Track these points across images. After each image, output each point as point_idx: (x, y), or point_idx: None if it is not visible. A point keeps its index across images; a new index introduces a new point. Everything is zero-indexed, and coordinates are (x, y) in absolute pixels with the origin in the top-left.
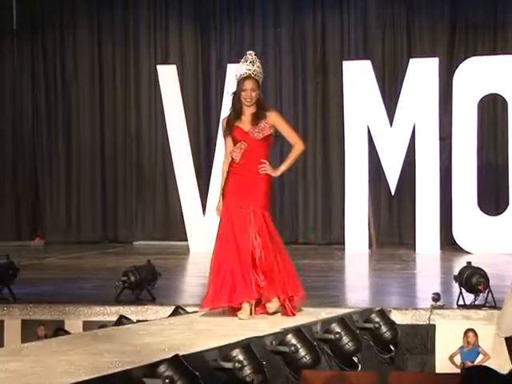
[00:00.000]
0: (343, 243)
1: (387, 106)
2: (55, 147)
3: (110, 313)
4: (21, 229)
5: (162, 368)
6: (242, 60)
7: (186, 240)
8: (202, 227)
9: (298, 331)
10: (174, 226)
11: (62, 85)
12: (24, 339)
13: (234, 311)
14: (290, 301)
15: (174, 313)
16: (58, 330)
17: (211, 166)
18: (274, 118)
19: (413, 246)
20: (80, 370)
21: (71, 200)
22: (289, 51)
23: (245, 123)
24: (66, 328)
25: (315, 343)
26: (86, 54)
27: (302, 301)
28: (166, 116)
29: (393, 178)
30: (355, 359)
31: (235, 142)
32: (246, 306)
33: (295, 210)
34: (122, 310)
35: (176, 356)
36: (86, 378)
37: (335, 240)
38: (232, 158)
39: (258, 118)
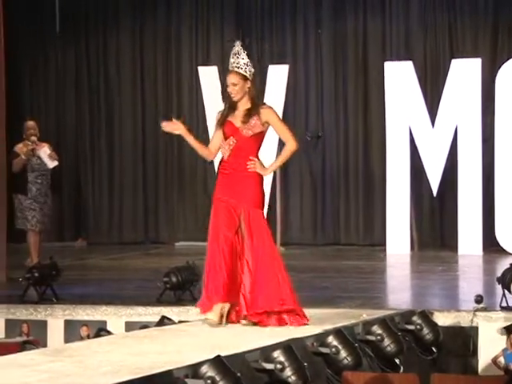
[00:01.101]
0: (385, 245)
1: (429, 106)
2: (98, 149)
3: (151, 313)
4: (64, 230)
5: (203, 369)
6: (231, 52)
7: None
8: None
9: (339, 332)
10: None
11: (104, 87)
12: (67, 339)
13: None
14: (287, 312)
15: None
16: (101, 330)
17: None
18: (267, 115)
19: (455, 248)
20: (122, 371)
21: (113, 201)
22: (330, 53)
23: (237, 118)
24: (109, 328)
25: (357, 345)
26: (129, 57)
27: (300, 318)
28: (206, 117)
29: (435, 180)
30: (397, 361)
31: (225, 138)
32: (215, 308)
33: (336, 212)
34: (163, 311)
35: (218, 357)
36: (128, 378)
37: (377, 241)
38: (222, 158)
39: (250, 114)
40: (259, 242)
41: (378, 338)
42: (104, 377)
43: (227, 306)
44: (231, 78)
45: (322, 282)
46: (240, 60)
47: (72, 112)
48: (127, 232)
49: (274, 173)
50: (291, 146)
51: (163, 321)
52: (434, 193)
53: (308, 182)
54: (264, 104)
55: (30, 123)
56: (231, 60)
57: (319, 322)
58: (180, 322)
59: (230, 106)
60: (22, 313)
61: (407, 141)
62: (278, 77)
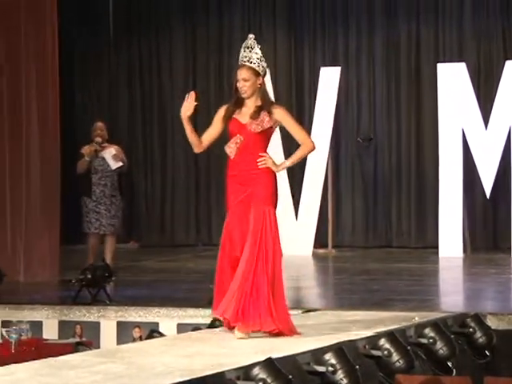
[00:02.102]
0: (437, 247)
1: (482, 108)
2: (150, 151)
3: (203, 315)
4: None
5: (255, 371)
6: (243, 45)
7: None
8: (295, 231)
9: (391, 335)
10: None
11: (157, 89)
12: (119, 341)
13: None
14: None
15: None
16: (153, 331)
17: (303, 172)
18: (281, 116)
19: (508, 250)
20: (174, 372)
21: (166, 203)
22: (382, 55)
23: (244, 115)
24: (161, 330)
25: (409, 347)
26: (181, 59)
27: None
28: None
29: (488, 182)
30: (449, 364)
31: (230, 136)
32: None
33: (388, 214)
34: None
35: (269, 359)
36: (180, 379)
37: (429, 244)
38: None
39: (260, 111)
40: (270, 243)
41: (431, 340)
42: (156, 378)
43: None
44: (242, 73)
45: (374, 284)
46: (253, 54)
47: (124, 113)
48: (179, 234)
49: (326, 175)
50: (308, 147)
51: (215, 323)
52: (487, 195)
53: (360, 184)
54: (275, 102)
55: (98, 124)
56: (243, 54)
57: (371, 324)
58: None
59: (237, 102)
60: (75, 314)
61: (460, 143)
62: (329, 79)
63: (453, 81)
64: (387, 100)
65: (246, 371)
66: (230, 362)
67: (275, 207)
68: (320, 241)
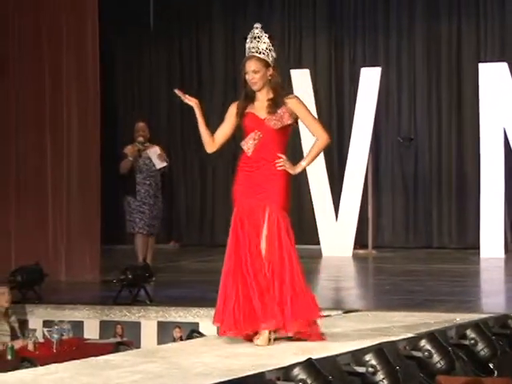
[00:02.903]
0: (478, 248)
1: None
2: (189, 150)
3: None
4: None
5: (295, 371)
6: (249, 35)
7: (319, 244)
8: (334, 232)
9: (432, 336)
10: (306, 230)
11: (197, 86)
12: (160, 341)
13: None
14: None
15: None
16: (193, 332)
17: (343, 172)
18: (295, 106)
19: None
20: (214, 372)
21: (205, 203)
22: (423, 55)
23: (259, 110)
24: (201, 330)
25: (450, 348)
26: (221, 56)
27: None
28: (299, 121)
29: None
30: (491, 365)
31: (246, 132)
32: (264, 334)
33: (429, 214)
34: None
35: (309, 359)
36: (220, 380)
37: (470, 244)
38: (243, 152)
39: (276, 103)
40: (285, 252)
41: (472, 342)
42: (196, 378)
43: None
44: (251, 65)
45: (415, 285)
46: (261, 44)
47: (164, 111)
48: (219, 234)
49: (366, 175)
50: (323, 140)
51: None
52: None
53: (400, 184)
54: (288, 93)
55: (140, 124)
56: (250, 45)
57: (412, 325)
58: None
59: (247, 95)
60: (116, 314)
61: (501, 142)
62: (370, 79)
63: (494, 80)
64: (428, 100)
65: (286, 372)
66: (271, 363)
67: (288, 211)
68: (360, 242)
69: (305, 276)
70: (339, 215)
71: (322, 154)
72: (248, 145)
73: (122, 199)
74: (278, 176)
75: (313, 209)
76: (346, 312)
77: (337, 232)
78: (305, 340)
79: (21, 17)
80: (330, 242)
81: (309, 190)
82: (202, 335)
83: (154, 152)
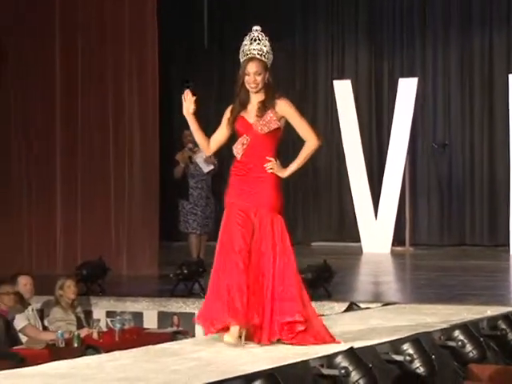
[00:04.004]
0: (508, 245)
1: None
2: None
3: None
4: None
5: (337, 359)
6: (247, 37)
7: (359, 241)
8: (374, 229)
9: (465, 327)
10: (348, 228)
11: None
12: None
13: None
14: (287, 326)
15: (349, 308)
16: None
17: (382, 175)
18: (283, 108)
19: None
20: (260, 361)
21: None
22: (457, 66)
23: (250, 113)
24: None
25: (482, 339)
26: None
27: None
28: (341, 128)
29: None
30: None
31: (238, 136)
32: (233, 330)
33: (462, 214)
34: None
35: (351, 348)
36: (267, 367)
37: (501, 242)
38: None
39: (265, 107)
40: (278, 252)
41: (503, 332)
42: (244, 366)
43: (244, 330)
44: (254, 67)
45: (449, 280)
46: (263, 47)
47: (213, 121)
48: None
49: (403, 178)
50: (312, 143)
51: None
52: None
53: (435, 187)
54: (280, 95)
55: (188, 131)
56: (251, 46)
57: (446, 317)
58: None
59: (242, 100)
60: (173, 306)
61: None
62: (407, 89)
63: None
64: (461, 108)
65: (329, 359)
66: (315, 352)
67: (282, 215)
68: (398, 239)
69: (300, 277)
70: (378, 214)
71: (362, 159)
72: (237, 149)
73: (177, 202)
74: (268, 179)
75: (354, 208)
76: (385, 305)
77: (376, 230)
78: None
79: (88, 42)
80: (370, 240)
81: (350, 190)
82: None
83: (200, 157)
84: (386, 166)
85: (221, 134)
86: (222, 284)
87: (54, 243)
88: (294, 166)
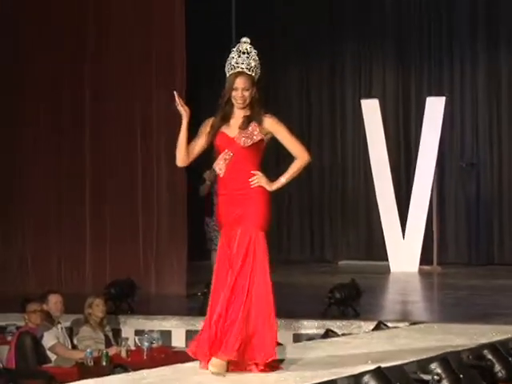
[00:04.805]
0: None
1: None
2: (265, 167)
3: (317, 327)
4: None
5: (365, 378)
6: (234, 50)
7: (387, 260)
8: (402, 248)
9: (493, 347)
10: (375, 247)
11: (272, 112)
12: None
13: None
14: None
15: (377, 327)
16: None
17: (409, 193)
18: (271, 124)
19: None
20: (289, 379)
21: (282, 221)
22: (485, 85)
23: (232, 128)
24: (277, 340)
25: (510, 359)
26: (296, 90)
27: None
28: (369, 147)
29: None
30: None
31: (218, 152)
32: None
33: (490, 233)
34: (328, 324)
35: (378, 368)
36: None
37: None
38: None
39: (249, 121)
40: (255, 271)
41: None
42: (274, 383)
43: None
44: (242, 82)
45: (477, 299)
46: (251, 61)
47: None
48: (294, 250)
49: (431, 197)
50: (303, 160)
51: (328, 333)
52: None
53: (463, 205)
54: (266, 112)
55: None
56: (239, 59)
57: (474, 336)
58: (343, 334)
59: (225, 114)
60: (201, 324)
61: None
62: (435, 108)
63: None
64: (489, 127)
65: (356, 379)
66: (342, 371)
67: (265, 231)
68: (426, 258)
69: (273, 301)
70: (406, 233)
71: (389, 178)
72: (219, 166)
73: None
74: (253, 194)
75: (381, 227)
76: (413, 324)
77: (404, 249)
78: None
79: (112, 55)
80: (398, 259)
81: (377, 209)
82: (278, 345)
83: None
84: (414, 184)
85: (198, 145)
86: (210, 312)
87: (83, 261)
88: (283, 180)
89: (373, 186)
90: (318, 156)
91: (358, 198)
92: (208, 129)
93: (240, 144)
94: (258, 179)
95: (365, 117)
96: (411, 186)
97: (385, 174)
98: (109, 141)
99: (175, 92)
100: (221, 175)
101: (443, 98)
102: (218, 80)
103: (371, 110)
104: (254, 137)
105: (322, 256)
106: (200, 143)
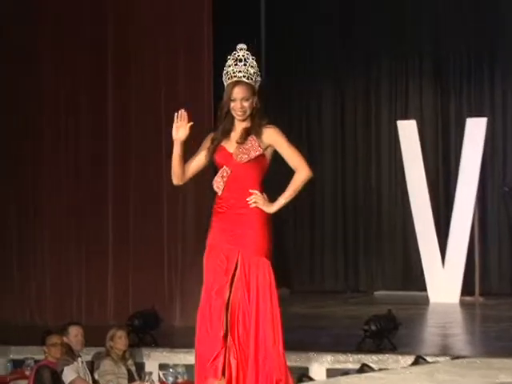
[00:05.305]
0: None
1: None
2: (299, 199)
3: (352, 361)
4: None
5: None
6: (230, 57)
7: (426, 290)
8: (441, 278)
9: None
10: (413, 276)
11: (306, 140)
12: None
13: None
14: None
15: (415, 362)
16: (303, 376)
17: (449, 219)
18: (271, 136)
19: None
20: None
21: (315, 250)
22: None
23: (232, 142)
24: (310, 375)
25: None
26: (329, 111)
27: None
28: (405, 170)
29: None
30: None
31: (218, 169)
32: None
33: None
34: (363, 359)
35: None
36: None
37: None
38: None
39: (247, 134)
40: (262, 301)
41: None
42: None
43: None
44: (240, 92)
45: None
46: (249, 68)
47: (274, 167)
48: (328, 281)
49: (472, 223)
50: (304, 174)
51: (363, 368)
52: None
53: (506, 232)
54: (267, 123)
55: None
56: (236, 68)
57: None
58: (379, 369)
59: (226, 128)
60: None
61: None
62: (476, 129)
63: None
64: None
65: None
66: None
67: (269, 258)
68: (467, 288)
69: (282, 334)
70: (446, 262)
71: (428, 204)
72: (217, 183)
73: None
74: (251, 216)
75: (419, 255)
76: (454, 358)
77: (444, 278)
78: None
79: (141, 70)
80: (437, 289)
81: (415, 236)
82: (311, 379)
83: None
84: (454, 210)
85: (196, 164)
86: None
87: (105, 291)
88: (282, 200)
89: (410, 211)
90: (352, 181)
91: (395, 224)
92: (208, 144)
93: (237, 160)
94: (256, 200)
95: (401, 139)
96: (451, 212)
97: (423, 198)
98: (134, 173)
99: (182, 111)
100: (219, 193)
101: (484, 119)
102: None
103: (408, 131)
104: (252, 152)
105: (356, 286)
106: (198, 160)
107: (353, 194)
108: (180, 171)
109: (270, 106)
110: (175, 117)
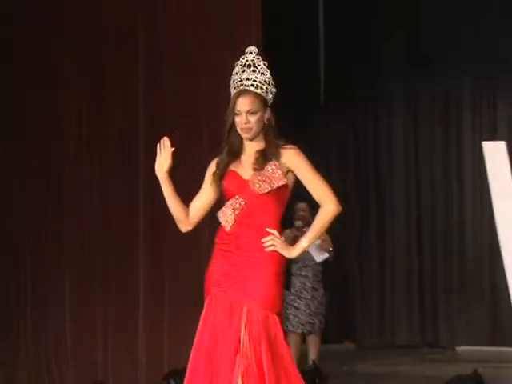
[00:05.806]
0: None
1: None
2: (366, 240)
3: None
4: (327, 330)
5: None
6: (238, 63)
7: None
8: None
9: None
10: (503, 330)
11: (373, 170)
12: None
13: None
14: None
15: None
16: None
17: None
18: (291, 158)
19: None
20: None
21: (384, 298)
22: None
23: (245, 166)
24: None
25: None
26: (401, 132)
27: None
28: (493, 199)
29: None
30: None
31: (227, 198)
32: None
33: None
34: None
35: None
36: None
37: None
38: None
39: (265, 157)
40: (271, 364)
41: None
42: None
43: None
44: (246, 103)
45: None
46: (258, 75)
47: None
48: (401, 334)
49: None
50: (331, 209)
51: None
52: None
53: None
54: (285, 143)
55: (301, 205)
56: (243, 75)
57: None
58: None
59: (233, 148)
60: None
61: None
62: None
63: None
64: None
65: None
66: None
67: (278, 313)
68: None
69: None
70: None
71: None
72: (226, 216)
73: None
74: (266, 261)
75: (510, 304)
76: None
77: None
78: None
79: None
80: None
81: (505, 282)
82: None
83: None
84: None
85: (203, 199)
86: None
87: (136, 347)
88: (304, 244)
89: (499, 252)
90: (428, 216)
91: (481, 265)
92: (212, 171)
93: (255, 190)
94: (274, 242)
95: (487, 163)
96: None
97: None
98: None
99: (165, 139)
100: (227, 229)
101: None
102: None
103: (496, 154)
104: (274, 181)
105: (435, 340)
106: (204, 196)
107: (430, 232)
108: (181, 212)
109: (333, 131)
110: (158, 148)
